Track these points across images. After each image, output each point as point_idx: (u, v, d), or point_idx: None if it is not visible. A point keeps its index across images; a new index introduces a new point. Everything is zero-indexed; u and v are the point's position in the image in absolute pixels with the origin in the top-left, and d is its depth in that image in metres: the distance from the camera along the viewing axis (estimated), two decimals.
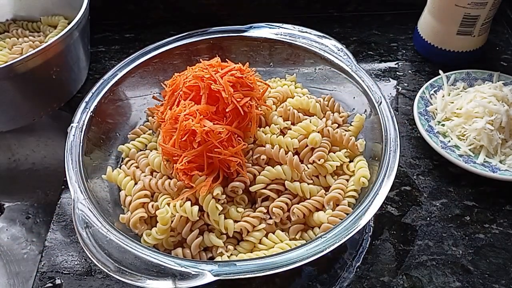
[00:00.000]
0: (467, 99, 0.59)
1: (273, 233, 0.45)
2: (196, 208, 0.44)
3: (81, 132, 0.48)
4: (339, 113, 0.55)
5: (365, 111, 0.53)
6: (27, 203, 0.67)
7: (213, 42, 0.59)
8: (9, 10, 0.74)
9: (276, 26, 0.59)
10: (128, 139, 0.55)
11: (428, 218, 0.52)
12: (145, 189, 0.47)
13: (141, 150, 0.53)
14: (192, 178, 0.45)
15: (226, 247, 0.44)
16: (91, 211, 0.41)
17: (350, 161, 0.50)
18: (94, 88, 0.53)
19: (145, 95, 0.59)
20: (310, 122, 0.50)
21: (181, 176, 0.45)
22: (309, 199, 0.47)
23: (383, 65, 0.73)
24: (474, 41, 0.68)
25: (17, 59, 0.54)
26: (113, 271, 0.37)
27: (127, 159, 0.53)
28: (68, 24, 0.65)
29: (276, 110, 0.53)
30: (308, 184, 0.47)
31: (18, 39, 0.69)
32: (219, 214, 0.44)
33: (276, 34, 0.58)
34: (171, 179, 0.47)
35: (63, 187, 0.57)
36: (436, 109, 0.61)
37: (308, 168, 0.48)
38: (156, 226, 0.44)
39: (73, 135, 0.48)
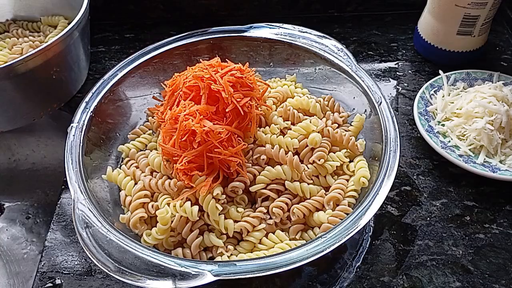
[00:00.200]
0: (467, 99, 0.59)
1: (273, 233, 0.45)
2: (196, 208, 0.44)
3: (81, 132, 0.48)
4: (339, 113, 0.55)
5: (365, 111, 0.53)
6: (27, 203, 0.67)
7: (213, 42, 0.59)
8: (9, 10, 0.74)
9: (276, 26, 0.59)
10: (128, 139, 0.55)
11: (428, 218, 0.52)
12: (145, 189, 0.47)
13: (141, 150, 0.53)
14: (192, 178, 0.45)
15: (226, 247, 0.44)
16: (91, 211, 0.41)
17: (350, 161, 0.50)
18: (94, 88, 0.53)
19: (145, 95, 0.59)
20: (310, 122, 0.50)
21: (181, 176, 0.45)
22: (309, 199, 0.47)
23: (383, 65, 0.73)
24: (474, 41, 0.68)
25: (17, 59, 0.54)
26: (113, 271, 0.37)
27: (127, 159, 0.53)
28: (68, 24, 0.65)
29: (276, 110, 0.53)
30: (308, 184, 0.47)
31: (18, 39, 0.69)
32: (219, 214, 0.44)
33: (276, 34, 0.58)
34: (171, 179, 0.47)
35: (63, 187, 0.57)
36: (436, 109, 0.61)
37: (308, 168, 0.48)
38: (156, 226, 0.44)
39: (73, 135, 0.48)
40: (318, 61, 0.57)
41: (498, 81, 0.62)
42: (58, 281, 0.49)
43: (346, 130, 0.52)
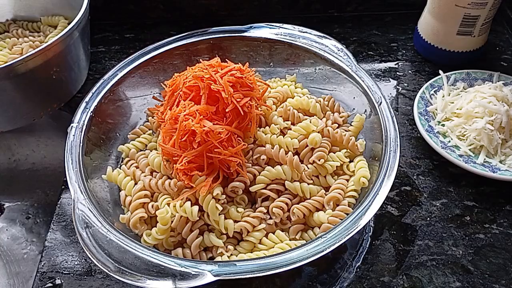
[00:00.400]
0: (467, 99, 0.59)
1: (273, 233, 0.45)
2: (196, 208, 0.44)
3: (81, 132, 0.48)
4: (339, 113, 0.55)
5: (365, 111, 0.53)
6: (27, 203, 0.67)
7: (213, 42, 0.59)
8: (9, 10, 0.74)
9: (276, 26, 0.59)
10: (128, 139, 0.55)
11: (428, 218, 0.52)
12: (145, 189, 0.47)
13: (141, 150, 0.53)
14: (192, 178, 0.45)
15: (226, 247, 0.44)
16: (91, 211, 0.41)
17: (350, 161, 0.50)
18: (94, 88, 0.53)
19: (145, 95, 0.59)
20: (310, 122, 0.50)
21: (181, 176, 0.45)
22: (309, 199, 0.47)
23: (383, 65, 0.73)
24: (474, 41, 0.68)
25: (17, 59, 0.54)
26: (113, 271, 0.37)
27: (127, 159, 0.53)
28: (68, 24, 0.65)
29: (276, 110, 0.53)
30: (308, 184, 0.47)
31: (18, 39, 0.69)
32: (219, 214, 0.44)
33: (276, 34, 0.58)
34: (171, 179, 0.47)
35: (63, 187, 0.57)
36: (436, 109, 0.61)
37: (308, 168, 0.48)
38: (156, 226, 0.44)
39: (73, 135, 0.48)
40: (318, 61, 0.57)
41: (498, 81, 0.62)
42: (58, 281, 0.49)
43: (346, 130, 0.52)
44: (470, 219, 0.52)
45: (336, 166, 0.49)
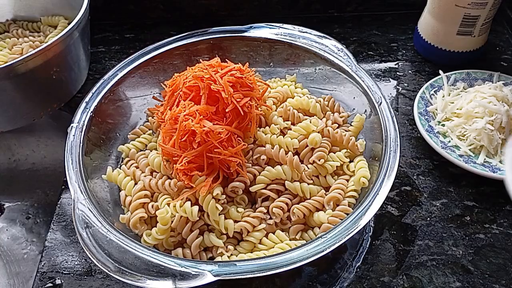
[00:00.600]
0: (467, 99, 0.59)
1: (273, 233, 0.45)
2: (196, 208, 0.44)
3: (81, 132, 0.48)
4: (339, 113, 0.55)
5: (365, 111, 0.53)
6: (27, 203, 0.67)
7: (213, 42, 0.59)
8: (9, 10, 0.74)
9: (276, 26, 0.59)
10: (128, 139, 0.55)
11: (428, 218, 0.52)
12: (145, 189, 0.47)
13: (141, 150, 0.53)
14: (192, 178, 0.45)
15: (226, 247, 0.44)
16: (91, 211, 0.41)
17: (350, 161, 0.50)
18: (94, 88, 0.53)
19: (145, 95, 0.59)
20: (310, 122, 0.50)
21: (181, 176, 0.45)
22: (309, 199, 0.47)
23: (383, 65, 0.73)
24: (474, 41, 0.68)
25: (17, 59, 0.54)
26: (113, 271, 0.37)
27: (127, 159, 0.53)
28: (68, 24, 0.65)
29: (276, 110, 0.53)
30: (308, 184, 0.47)
31: (18, 39, 0.69)
32: (219, 214, 0.44)
33: (276, 34, 0.58)
34: (171, 179, 0.47)
35: (63, 187, 0.57)
36: (436, 109, 0.61)
37: (308, 168, 0.48)
38: (156, 226, 0.44)
39: (73, 135, 0.48)
40: (318, 61, 0.57)
41: (498, 81, 0.62)
42: (58, 281, 0.49)
43: (346, 130, 0.52)
44: (470, 219, 0.52)
45: (336, 166, 0.49)
